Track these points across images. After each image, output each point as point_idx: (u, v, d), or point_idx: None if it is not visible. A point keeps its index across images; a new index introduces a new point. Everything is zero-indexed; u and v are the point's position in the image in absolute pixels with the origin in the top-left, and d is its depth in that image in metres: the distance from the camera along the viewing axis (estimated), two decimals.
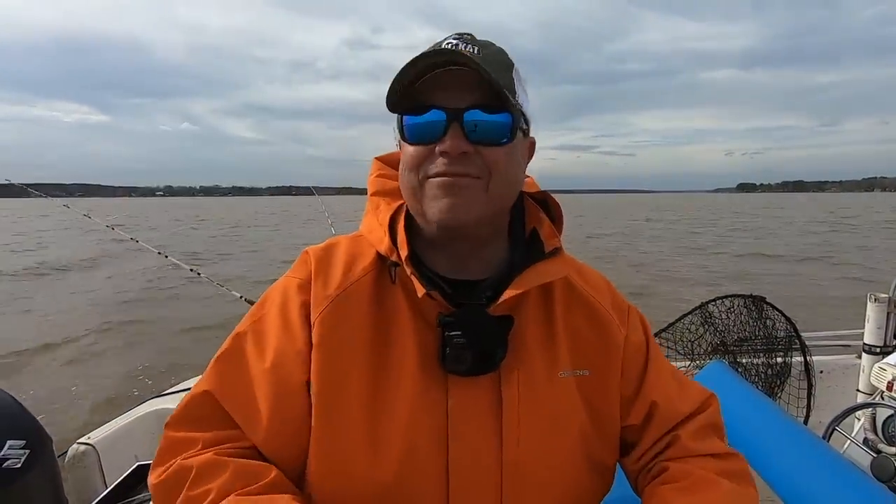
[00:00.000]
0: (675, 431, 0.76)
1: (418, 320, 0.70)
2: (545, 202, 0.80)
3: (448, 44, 0.66)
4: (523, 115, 0.69)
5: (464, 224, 0.66)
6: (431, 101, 0.65)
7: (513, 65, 0.70)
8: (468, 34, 0.69)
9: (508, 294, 0.68)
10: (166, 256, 3.42)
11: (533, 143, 0.75)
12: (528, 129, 0.72)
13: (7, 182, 3.66)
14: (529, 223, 0.77)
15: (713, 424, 0.79)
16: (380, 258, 0.74)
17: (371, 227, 0.76)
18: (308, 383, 0.67)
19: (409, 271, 0.67)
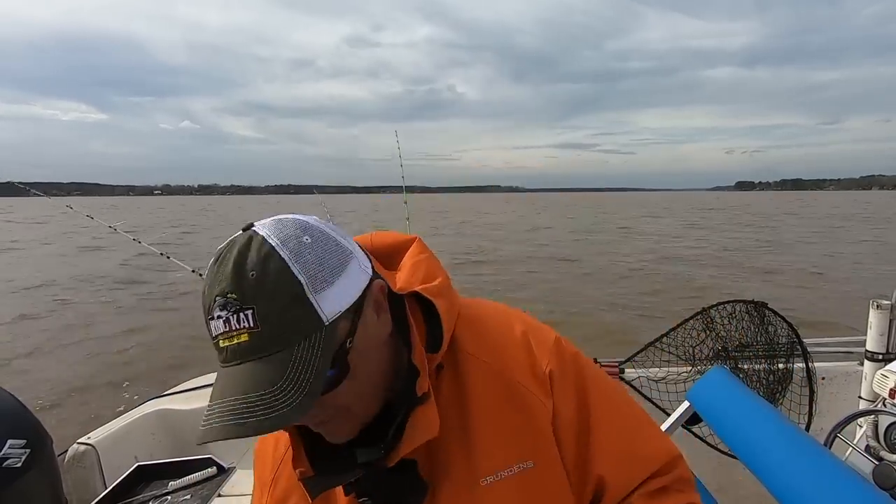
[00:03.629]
0: (628, 498, 0.69)
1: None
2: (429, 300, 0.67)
3: (217, 320, 0.53)
4: (338, 317, 0.55)
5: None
6: None
7: (300, 287, 0.53)
8: (231, 293, 0.52)
9: (392, 461, 0.62)
10: (167, 257, 3.43)
11: (378, 289, 0.60)
12: (357, 306, 0.57)
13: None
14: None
15: (677, 481, 0.71)
16: None
17: None
18: None
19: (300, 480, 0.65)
